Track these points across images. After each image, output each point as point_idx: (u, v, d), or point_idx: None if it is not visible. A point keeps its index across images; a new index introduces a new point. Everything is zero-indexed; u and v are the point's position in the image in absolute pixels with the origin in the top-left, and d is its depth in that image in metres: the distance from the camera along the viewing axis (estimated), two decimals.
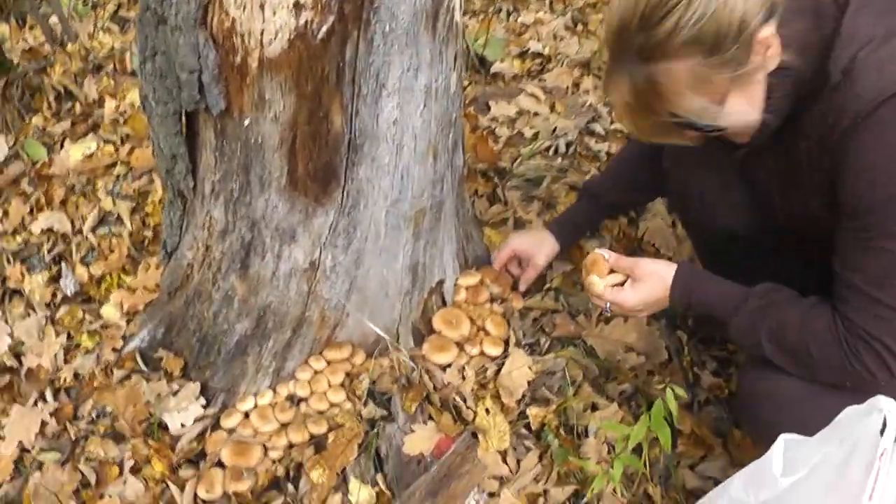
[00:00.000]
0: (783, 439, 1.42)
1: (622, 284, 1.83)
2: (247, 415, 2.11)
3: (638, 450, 1.90)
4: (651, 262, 1.83)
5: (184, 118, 1.88)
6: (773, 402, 1.67)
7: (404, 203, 1.94)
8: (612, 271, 1.84)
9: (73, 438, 2.19)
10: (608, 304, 1.85)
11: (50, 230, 2.77)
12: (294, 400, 2.13)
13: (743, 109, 1.49)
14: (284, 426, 2.07)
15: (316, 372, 2.13)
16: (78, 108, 3.24)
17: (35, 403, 2.28)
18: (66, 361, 2.39)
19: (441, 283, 2.26)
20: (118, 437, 2.16)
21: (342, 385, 2.12)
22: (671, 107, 1.46)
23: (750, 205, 1.85)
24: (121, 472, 2.08)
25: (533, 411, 2.10)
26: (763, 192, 1.76)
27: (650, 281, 1.80)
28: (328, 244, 1.94)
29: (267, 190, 1.87)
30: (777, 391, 1.66)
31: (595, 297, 1.86)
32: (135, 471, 2.07)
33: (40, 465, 2.13)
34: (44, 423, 2.23)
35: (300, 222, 1.90)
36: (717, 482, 1.98)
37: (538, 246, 2.33)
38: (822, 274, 1.60)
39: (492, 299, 2.32)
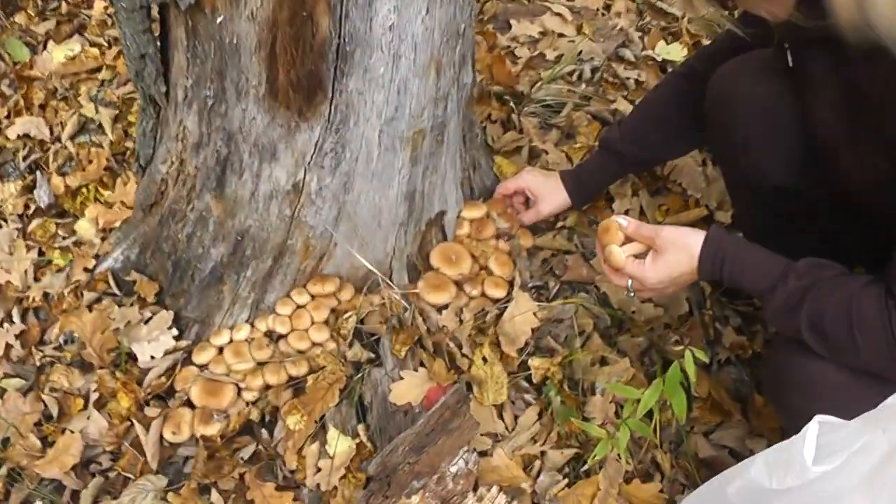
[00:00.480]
0: (817, 421, 1.24)
1: (642, 257, 1.60)
2: (220, 350, 1.96)
3: (648, 413, 1.70)
4: (675, 230, 1.58)
5: (154, 14, 1.70)
6: (808, 389, 1.48)
7: (401, 122, 1.77)
8: (628, 241, 1.61)
9: (38, 365, 2.06)
10: (630, 283, 1.62)
11: (27, 136, 2.59)
12: (273, 337, 1.98)
13: None
14: (261, 365, 1.92)
15: (298, 306, 1.97)
16: (64, 6, 3.02)
17: (0, 324, 2.15)
18: (35, 279, 2.24)
19: (441, 214, 2.08)
20: (85, 367, 2.03)
21: (326, 323, 1.97)
22: None
23: (804, 157, 1.62)
24: (85, 406, 1.95)
25: (535, 363, 1.95)
26: (823, 140, 1.54)
27: (675, 252, 1.55)
28: (313, 165, 1.78)
29: (244, 99, 1.69)
30: (813, 377, 1.46)
31: (612, 273, 1.64)
32: (100, 405, 1.94)
33: (2, 393, 2.00)
34: (8, 346, 2.10)
35: (282, 138, 1.74)
36: (732, 452, 1.86)
37: (549, 193, 2.15)
38: (879, 250, 1.39)
39: (497, 235, 2.15)
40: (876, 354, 1.35)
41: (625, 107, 2.57)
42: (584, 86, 2.70)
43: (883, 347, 1.33)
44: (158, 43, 1.78)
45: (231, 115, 1.72)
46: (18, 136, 2.59)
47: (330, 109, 1.69)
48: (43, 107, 2.69)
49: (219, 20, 1.57)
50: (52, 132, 2.61)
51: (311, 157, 1.77)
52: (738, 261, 1.52)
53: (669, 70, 2.73)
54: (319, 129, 1.72)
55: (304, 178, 1.80)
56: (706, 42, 2.83)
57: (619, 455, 1.76)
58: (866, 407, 1.21)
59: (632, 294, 1.65)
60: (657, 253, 1.56)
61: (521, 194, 2.20)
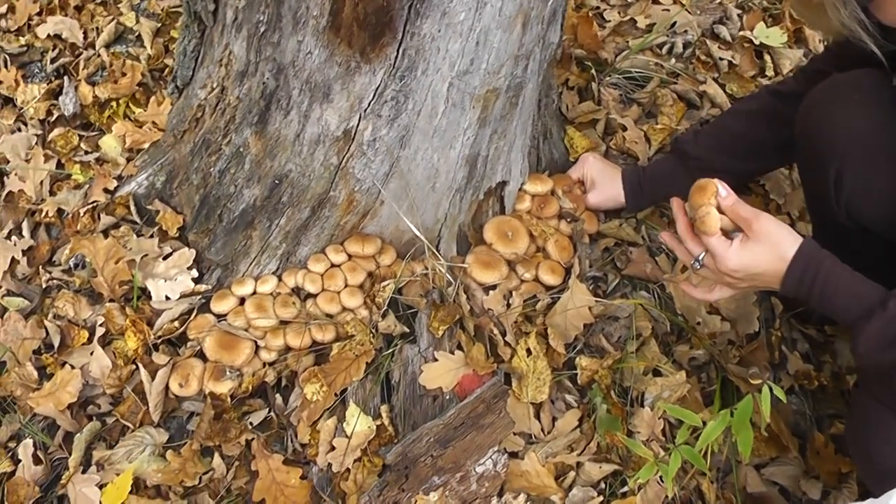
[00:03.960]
0: None
1: (728, 237, 1.46)
2: (242, 301, 1.87)
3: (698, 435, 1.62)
4: (777, 223, 1.43)
5: None
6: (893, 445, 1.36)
7: (475, 77, 1.65)
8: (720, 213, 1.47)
9: (44, 287, 2.00)
10: (703, 255, 1.49)
11: (58, 37, 2.50)
12: (300, 294, 1.89)
13: None
14: (283, 324, 1.83)
15: (332, 265, 1.89)
16: None
17: (8, 236, 2.08)
18: (51, 193, 2.17)
19: (503, 184, 1.98)
20: (93, 297, 1.96)
21: (361, 287, 1.88)
22: None
23: None
24: (90, 340, 1.88)
25: (583, 362, 1.86)
26: None
27: (768, 246, 1.42)
28: (370, 112, 1.67)
29: (301, 30, 1.57)
30: None
31: (690, 236, 1.49)
32: (105, 342, 1.87)
33: (2, 312, 1.94)
34: (14, 262, 2.04)
35: (338, 78, 1.62)
36: (784, 491, 1.78)
37: (604, 183, 2.06)
38: None
39: (560, 215, 2.05)
40: None
41: (714, 90, 2.42)
42: (673, 61, 2.56)
43: None
44: None
45: (284, 45, 1.61)
46: (49, 36, 2.50)
47: (397, 53, 1.56)
48: (79, 8, 2.60)
49: None
50: (86, 37, 2.52)
51: (369, 104, 1.65)
52: (833, 279, 1.39)
53: (765, 55, 2.59)
54: (382, 73, 1.60)
55: (358, 125, 1.68)
56: (811, 33, 2.66)
57: (661, 478, 1.67)
58: None
59: (698, 266, 1.50)
60: (748, 239, 1.43)
61: (579, 182, 2.11)
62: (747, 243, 1.43)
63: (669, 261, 2.04)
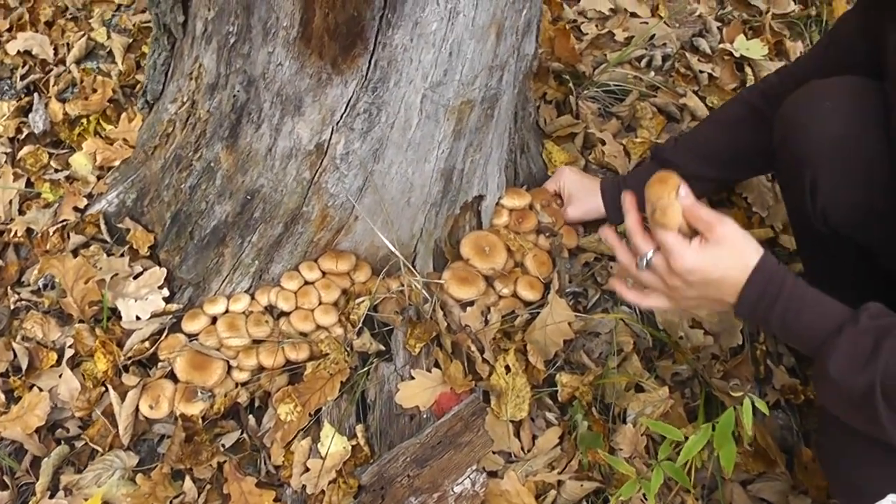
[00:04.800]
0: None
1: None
2: (214, 320, 1.85)
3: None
4: (742, 232, 1.32)
5: None
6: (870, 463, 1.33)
7: (449, 88, 1.65)
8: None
9: (12, 308, 1.96)
10: (650, 254, 1.35)
11: (28, 53, 2.48)
12: (273, 313, 1.87)
13: None
14: (257, 343, 1.81)
15: (306, 282, 1.87)
16: None
17: None
18: (20, 212, 2.14)
19: (479, 198, 1.97)
20: (63, 318, 1.93)
21: (335, 305, 1.86)
22: None
23: (885, 208, 1.45)
24: (58, 362, 1.85)
25: (563, 379, 1.83)
26: None
27: (730, 253, 1.30)
28: (342, 125, 1.66)
29: (272, 41, 1.56)
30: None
31: (637, 230, 1.37)
32: (74, 364, 1.84)
33: None
34: None
35: (310, 90, 1.61)
36: None
37: (582, 196, 2.05)
38: None
39: (539, 230, 2.04)
40: None
41: (694, 104, 2.42)
42: (652, 74, 2.57)
43: None
44: None
45: (255, 57, 1.60)
46: (19, 53, 2.48)
47: (369, 64, 1.55)
48: (50, 24, 2.58)
49: None
50: (56, 53, 2.50)
51: (341, 117, 1.64)
52: (796, 298, 1.27)
53: (746, 67, 2.59)
54: (354, 85, 1.59)
55: (330, 139, 1.67)
56: (792, 45, 2.68)
57: (644, 496, 1.65)
58: None
59: (643, 265, 1.36)
60: (709, 242, 1.29)
61: (556, 196, 2.09)
62: (708, 245, 1.29)
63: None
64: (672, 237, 1.29)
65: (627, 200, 1.38)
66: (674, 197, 1.29)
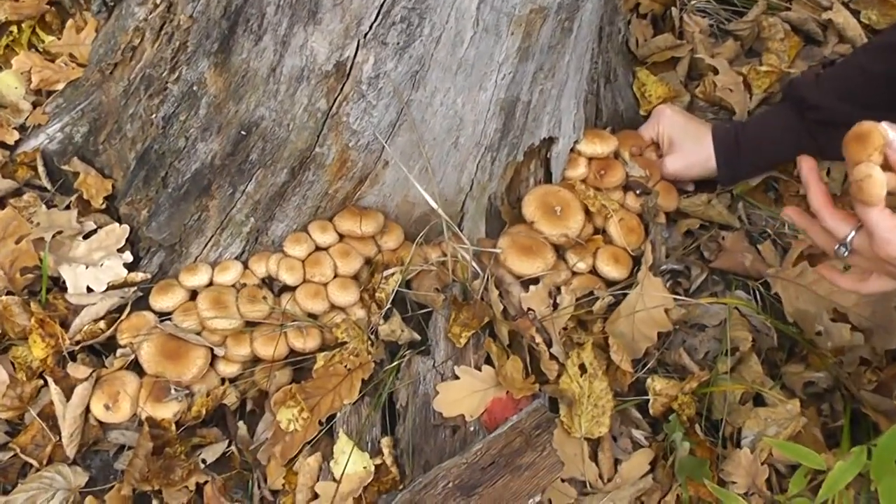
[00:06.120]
0: None
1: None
2: (194, 294, 1.94)
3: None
4: None
5: None
6: None
7: None
8: (889, 169, 1.42)
9: None
10: (851, 236, 1.46)
11: None
12: (273, 287, 1.96)
13: None
14: (250, 327, 1.90)
15: (318, 248, 1.96)
16: None
17: None
18: None
19: (550, 142, 2.04)
20: None
21: (355, 278, 1.95)
22: None
23: None
24: None
25: (657, 385, 1.92)
26: None
27: None
28: (371, 38, 1.72)
29: None
30: None
31: (828, 210, 1.47)
32: (0, 349, 1.93)
33: None
34: None
35: None
36: None
37: (686, 145, 2.13)
38: None
39: (627, 186, 2.12)
40: None
41: (843, 19, 2.48)
42: None
43: None
44: None
45: None
46: None
47: None
48: None
49: None
50: None
51: (371, 27, 1.70)
52: None
53: None
54: None
55: (355, 56, 1.74)
56: None
57: None
58: None
59: (845, 253, 1.47)
60: None
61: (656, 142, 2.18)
62: None
63: (777, 250, 2.10)
64: (875, 216, 1.39)
65: (805, 167, 1.48)
66: (875, 160, 1.37)
